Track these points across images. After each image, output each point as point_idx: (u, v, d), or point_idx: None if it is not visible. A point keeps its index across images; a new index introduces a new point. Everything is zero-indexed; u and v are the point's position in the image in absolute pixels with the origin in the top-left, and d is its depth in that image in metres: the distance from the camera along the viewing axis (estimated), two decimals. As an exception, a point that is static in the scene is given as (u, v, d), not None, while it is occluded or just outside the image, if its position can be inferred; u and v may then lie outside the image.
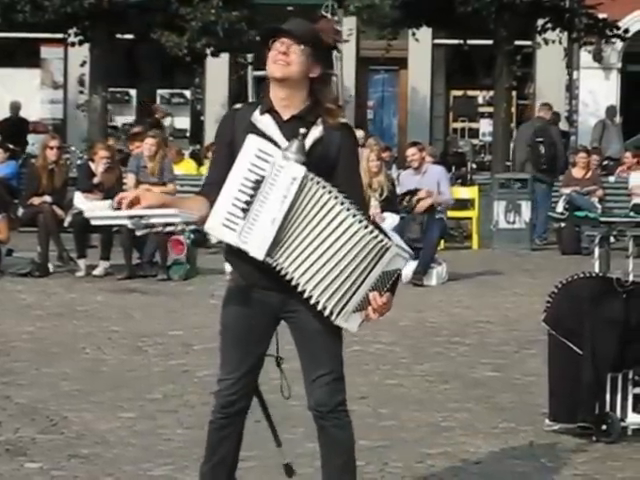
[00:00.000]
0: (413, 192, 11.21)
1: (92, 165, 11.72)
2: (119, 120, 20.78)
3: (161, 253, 10.93)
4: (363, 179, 12.56)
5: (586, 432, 5.46)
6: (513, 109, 19.72)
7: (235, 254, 3.72)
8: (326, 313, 3.69)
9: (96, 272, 11.04)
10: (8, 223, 11.20)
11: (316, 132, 3.71)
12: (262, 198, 3.61)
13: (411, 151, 11.62)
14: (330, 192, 3.63)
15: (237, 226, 3.61)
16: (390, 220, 11.31)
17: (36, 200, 11.46)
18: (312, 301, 3.67)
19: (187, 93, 21.53)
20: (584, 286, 5.59)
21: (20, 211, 11.77)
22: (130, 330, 8.19)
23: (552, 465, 5.06)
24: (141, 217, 3.60)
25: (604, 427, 5.42)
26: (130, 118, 20.78)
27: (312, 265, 3.66)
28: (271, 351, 3.85)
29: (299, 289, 3.67)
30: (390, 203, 11.45)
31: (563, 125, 19.43)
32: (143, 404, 6.02)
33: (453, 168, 17.41)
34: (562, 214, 14.15)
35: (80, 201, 11.23)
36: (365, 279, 3.67)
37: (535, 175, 14.92)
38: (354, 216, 3.63)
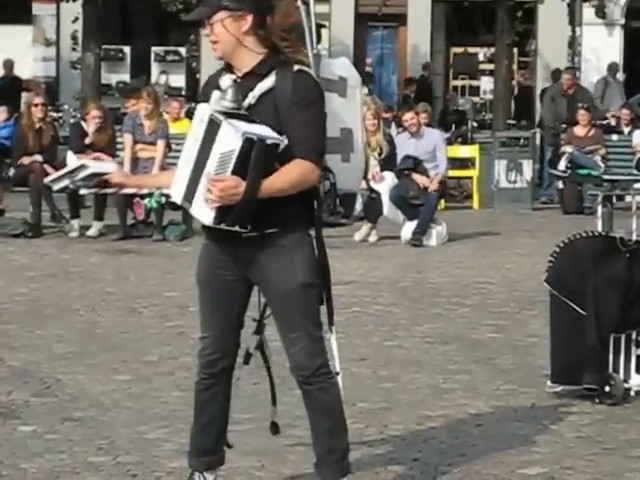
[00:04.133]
0: (410, 169, 11.07)
1: (84, 125, 11.57)
2: (113, 78, 20.56)
3: (156, 213, 10.82)
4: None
5: (589, 394, 5.39)
6: (514, 66, 19.55)
7: None
8: (187, 206, 3.66)
9: (90, 233, 10.93)
10: (1, 184, 11.09)
11: (265, 84, 3.68)
12: (185, 146, 3.69)
13: (409, 115, 11.48)
14: (235, 124, 3.56)
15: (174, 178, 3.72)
16: (389, 179, 11.21)
17: (26, 160, 11.32)
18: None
19: (182, 50, 21.27)
20: (587, 246, 5.53)
21: (11, 171, 11.63)
22: (125, 291, 8.12)
23: (554, 427, 5.02)
24: (71, 173, 3.75)
25: (607, 388, 5.36)
26: (124, 76, 20.56)
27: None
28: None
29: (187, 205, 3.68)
30: (389, 162, 11.34)
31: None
32: (138, 366, 5.97)
33: (453, 127, 17.25)
34: (564, 172, 14.03)
35: (73, 161, 11.07)
36: (206, 162, 3.59)
37: None
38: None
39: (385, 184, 11.16)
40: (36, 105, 11.56)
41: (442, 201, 12.35)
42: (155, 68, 20.91)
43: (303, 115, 3.64)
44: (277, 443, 4.35)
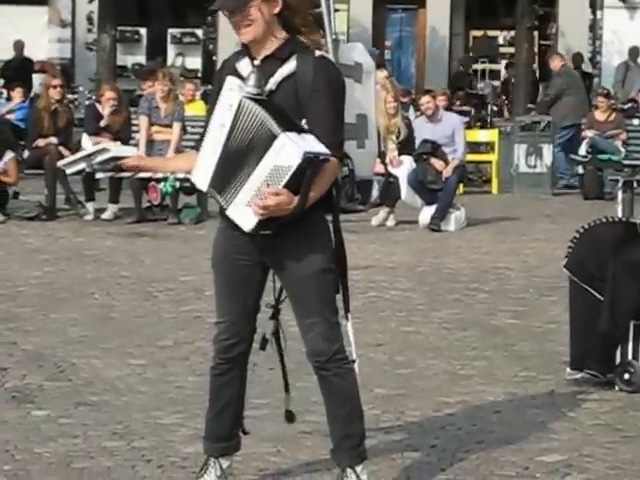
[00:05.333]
0: (428, 153, 10.97)
1: (99, 107, 11.51)
2: (129, 60, 20.47)
3: (171, 197, 10.78)
4: (381, 121, 12.43)
5: (608, 381, 5.32)
6: (535, 50, 19.38)
7: None
8: (222, 203, 3.64)
9: (105, 216, 10.87)
10: (17, 165, 11.02)
11: (286, 69, 3.65)
12: (208, 130, 3.65)
13: (425, 99, 11.41)
14: (267, 115, 3.54)
15: (197, 164, 3.70)
16: (408, 163, 11.13)
17: (42, 142, 11.25)
18: (222, 201, 3.64)
19: (199, 32, 21.16)
20: (607, 231, 5.47)
21: (26, 153, 11.58)
22: (140, 275, 8.08)
23: (573, 414, 4.97)
24: (89, 156, 3.74)
25: (626, 376, 5.29)
26: (140, 58, 20.48)
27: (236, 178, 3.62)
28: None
29: (222, 201, 3.65)
30: (407, 146, 11.25)
31: (586, 66, 19.06)
32: (153, 351, 5.93)
33: (473, 111, 17.13)
34: (585, 157, 13.90)
35: (88, 144, 11.00)
36: (255, 168, 3.56)
37: None
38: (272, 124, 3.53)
39: (403, 168, 11.08)
40: (54, 87, 11.48)
41: (461, 186, 12.26)
42: (171, 50, 20.83)
43: (325, 104, 3.61)
44: (293, 429, 4.31)
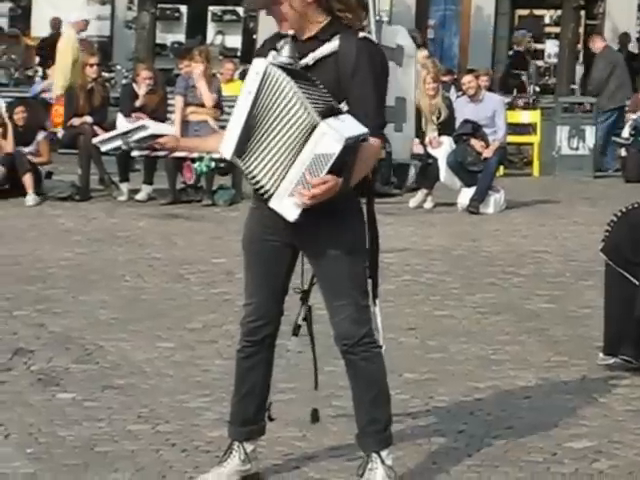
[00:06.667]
0: (468, 134, 10.82)
1: (135, 87, 11.46)
2: (168, 38, 20.33)
3: (206, 178, 10.74)
4: (422, 101, 12.18)
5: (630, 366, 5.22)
6: (581, 29, 19.08)
7: None
8: (264, 195, 3.57)
9: (139, 197, 10.82)
10: (49, 144, 11.02)
11: (327, 48, 3.59)
12: (238, 99, 3.61)
13: (467, 78, 11.27)
14: (293, 84, 3.49)
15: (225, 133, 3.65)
16: (447, 144, 11.00)
17: (77, 121, 11.21)
18: (261, 191, 3.57)
19: (240, 10, 21.01)
20: (644, 215, 5.32)
21: (61, 132, 11.56)
22: (172, 257, 8.03)
23: (604, 400, 4.89)
24: (126, 134, 3.69)
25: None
26: (180, 36, 20.37)
27: (270, 160, 3.56)
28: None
29: (262, 191, 3.58)
30: (447, 126, 11.12)
31: (633, 47, 18.71)
32: (182, 334, 5.90)
33: (515, 91, 16.91)
34: (627, 139, 13.67)
35: (123, 124, 10.95)
36: (296, 157, 3.50)
37: None
38: (305, 105, 3.47)
39: (442, 149, 10.94)
40: (91, 65, 11.44)
41: (501, 167, 12.10)
42: (212, 28, 20.69)
43: (368, 86, 3.56)
44: (319, 413, 4.25)
